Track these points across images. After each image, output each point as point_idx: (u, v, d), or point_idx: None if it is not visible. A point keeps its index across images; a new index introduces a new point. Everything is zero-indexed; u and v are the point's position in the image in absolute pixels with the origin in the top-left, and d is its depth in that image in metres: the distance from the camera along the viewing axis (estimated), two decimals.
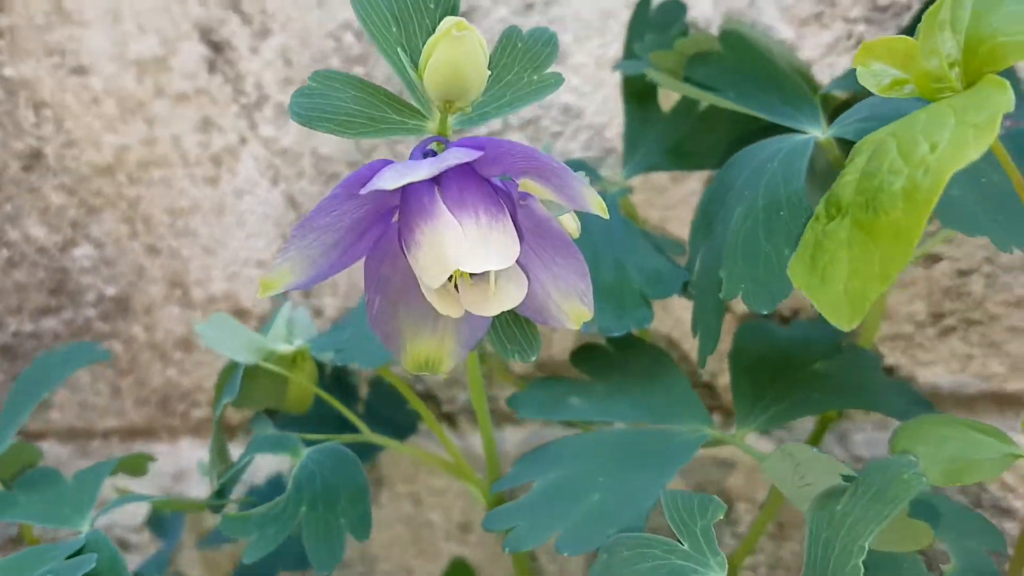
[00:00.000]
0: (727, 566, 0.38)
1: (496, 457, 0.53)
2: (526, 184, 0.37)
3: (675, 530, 0.40)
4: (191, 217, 0.68)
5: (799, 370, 0.51)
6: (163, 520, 0.75)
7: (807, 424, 0.60)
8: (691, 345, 0.62)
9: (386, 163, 0.35)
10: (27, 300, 0.73)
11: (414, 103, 0.39)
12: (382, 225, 0.38)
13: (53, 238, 0.71)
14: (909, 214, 0.28)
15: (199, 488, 0.75)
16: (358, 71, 0.63)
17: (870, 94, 0.39)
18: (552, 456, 0.49)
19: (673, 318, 0.62)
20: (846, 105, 0.49)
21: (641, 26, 0.55)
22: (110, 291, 0.71)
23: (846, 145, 0.44)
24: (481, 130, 0.60)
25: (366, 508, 0.47)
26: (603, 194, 0.55)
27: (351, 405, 0.65)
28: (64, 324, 0.73)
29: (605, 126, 0.60)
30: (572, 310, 0.39)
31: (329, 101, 0.38)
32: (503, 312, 0.41)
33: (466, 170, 0.36)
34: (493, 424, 0.58)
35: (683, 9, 0.55)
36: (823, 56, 0.56)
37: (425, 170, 0.33)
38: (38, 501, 0.53)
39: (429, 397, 0.69)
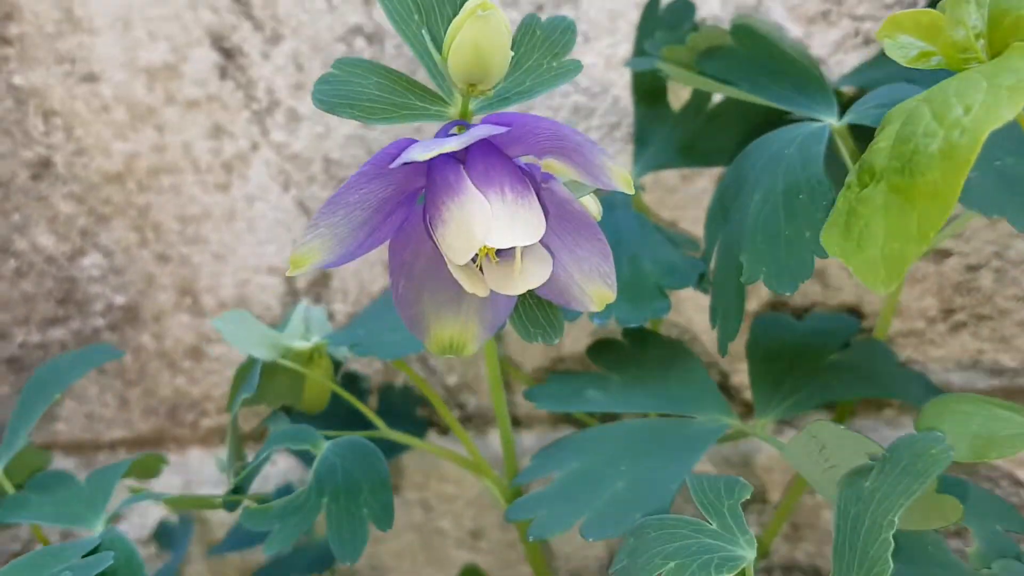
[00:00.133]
0: (756, 544, 0.38)
1: (514, 452, 0.53)
2: (549, 165, 0.37)
3: (703, 511, 0.40)
4: (202, 224, 0.68)
5: (816, 361, 0.51)
6: (171, 531, 0.75)
7: (824, 418, 0.60)
8: (700, 350, 0.63)
9: (411, 141, 0.36)
10: (35, 310, 0.73)
11: (436, 89, 0.40)
12: (406, 208, 0.38)
13: (61, 247, 0.71)
14: (947, 174, 0.28)
15: None
16: None
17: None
18: (573, 447, 0.49)
19: (685, 318, 0.62)
20: (856, 100, 0.50)
21: (651, 25, 0.56)
22: (119, 300, 0.71)
23: (861, 133, 0.45)
24: None
25: (388, 498, 0.46)
26: (615, 192, 0.56)
27: (361, 414, 0.64)
28: (72, 334, 0.73)
29: (616, 126, 0.61)
30: (595, 292, 0.39)
31: (352, 88, 0.39)
32: (526, 296, 0.41)
33: (491, 148, 0.36)
34: None
35: (692, 8, 0.55)
36: (831, 54, 0.57)
37: (455, 142, 0.33)
38: (51, 502, 0.53)
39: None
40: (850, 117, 0.45)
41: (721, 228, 0.47)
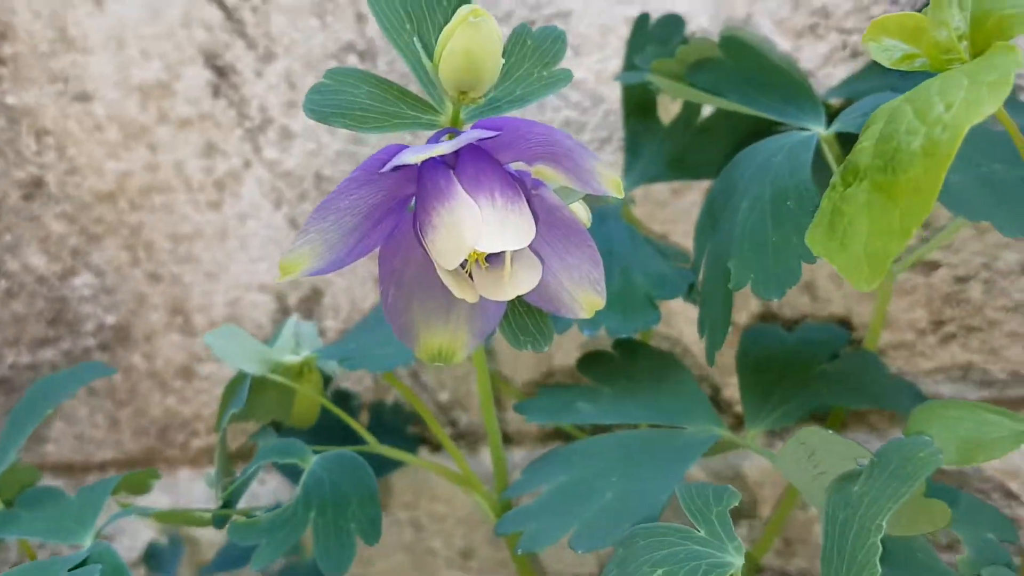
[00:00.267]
0: (744, 551, 0.38)
1: (504, 467, 0.53)
2: (539, 171, 0.37)
3: (691, 518, 0.40)
4: (193, 243, 0.69)
5: (805, 371, 0.51)
6: (160, 553, 0.74)
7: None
8: (690, 362, 0.63)
9: (402, 147, 0.36)
10: (25, 331, 0.73)
11: (427, 98, 0.40)
12: (396, 215, 0.38)
13: (53, 267, 0.71)
14: (928, 170, 0.29)
15: None
16: None
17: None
18: (562, 460, 0.49)
19: (676, 331, 0.63)
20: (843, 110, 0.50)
21: (641, 40, 0.56)
22: (110, 320, 0.71)
23: (848, 141, 0.45)
24: None
25: (377, 512, 0.46)
26: (606, 205, 0.56)
27: (351, 431, 0.64)
28: (62, 355, 0.73)
29: (607, 140, 0.61)
30: (585, 299, 0.39)
31: (343, 97, 0.39)
32: (515, 303, 0.41)
33: (481, 154, 0.36)
34: None
35: (682, 23, 0.56)
36: (819, 67, 0.58)
37: (446, 145, 0.33)
38: (40, 518, 0.52)
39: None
40: (837, 126, 0.45)
41: (710, 237, 0.47)
